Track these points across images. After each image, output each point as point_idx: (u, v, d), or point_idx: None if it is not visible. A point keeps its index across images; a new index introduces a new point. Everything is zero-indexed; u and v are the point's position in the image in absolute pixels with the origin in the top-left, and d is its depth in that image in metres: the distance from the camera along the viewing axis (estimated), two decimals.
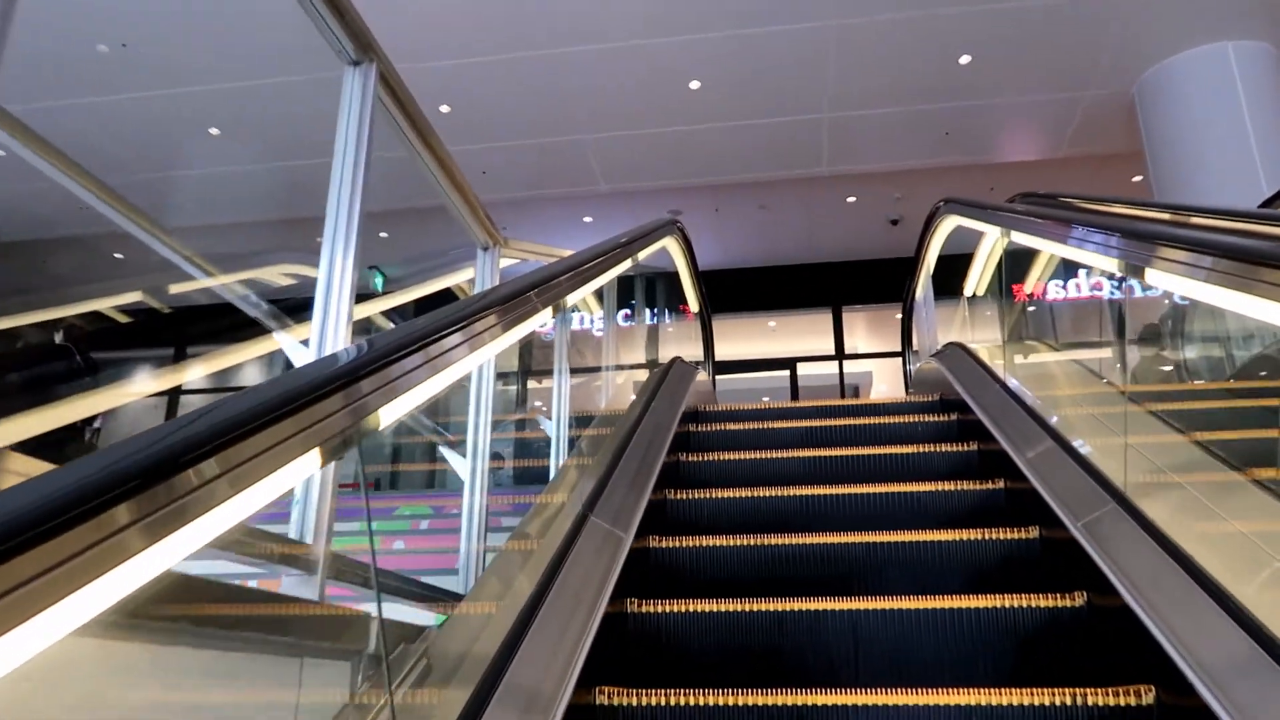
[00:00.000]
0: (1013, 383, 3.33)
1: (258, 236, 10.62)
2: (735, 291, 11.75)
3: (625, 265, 3.29)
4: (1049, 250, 2.71)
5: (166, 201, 9.89)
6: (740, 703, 1.81)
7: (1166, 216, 2.64)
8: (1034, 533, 2.37)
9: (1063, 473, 2.34)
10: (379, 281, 12.07)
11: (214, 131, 8.77)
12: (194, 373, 10.75)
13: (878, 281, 11.55)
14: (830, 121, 8.56)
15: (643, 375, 6.02)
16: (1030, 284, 4.84)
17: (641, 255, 3.66)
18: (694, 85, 7.97)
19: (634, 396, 4.17)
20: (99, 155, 8.71)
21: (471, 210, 2.70)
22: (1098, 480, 2.17)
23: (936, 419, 3.68)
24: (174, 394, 10.87)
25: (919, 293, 5.41)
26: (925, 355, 5.08)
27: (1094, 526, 2.08)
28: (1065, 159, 9.51)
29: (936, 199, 10.34)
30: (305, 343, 1.77)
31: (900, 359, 6.19)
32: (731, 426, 3.70)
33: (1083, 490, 2.23)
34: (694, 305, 5.79)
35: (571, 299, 2.46)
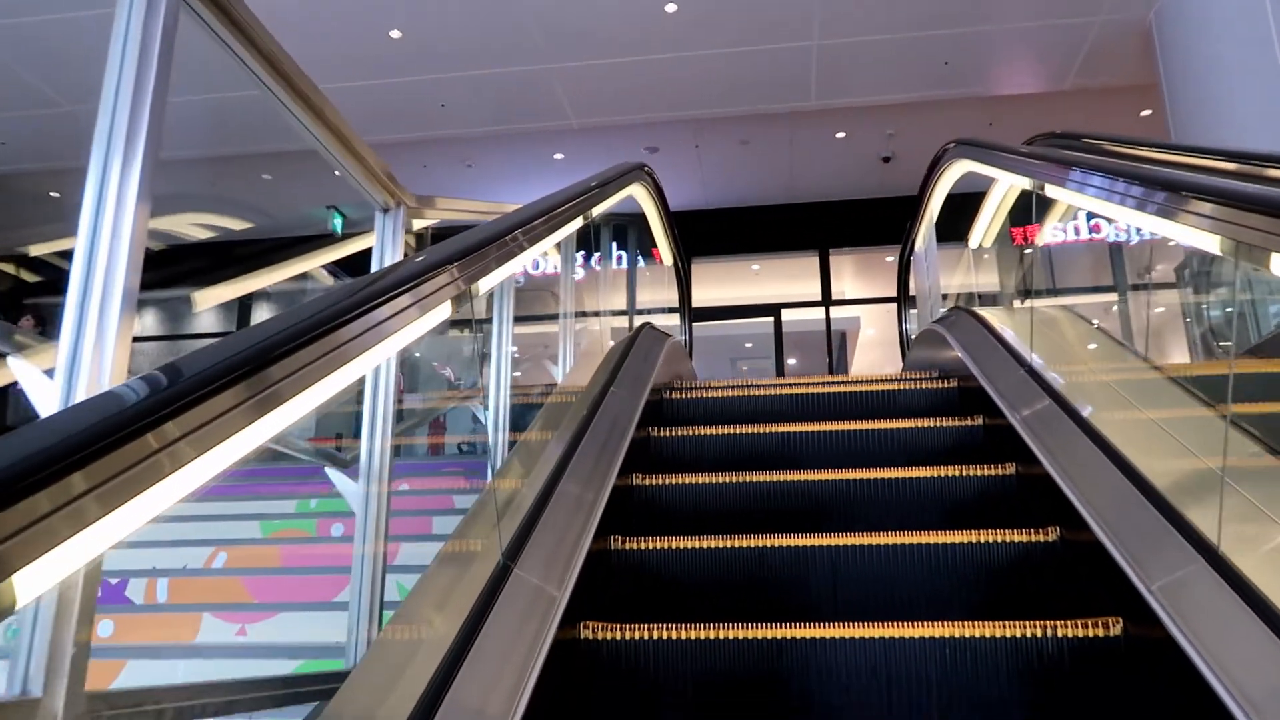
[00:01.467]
0: (1039, 363, 2.78)
1: None
2: (716, 233, 11.11)
3: (574, 226, 2.69)
4: (1106, 214, 2.13)
5: None
6: (722, 636, 1.87)
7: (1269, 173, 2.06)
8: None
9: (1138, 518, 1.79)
10: (337, 223, 11.34)
11: None
12: None
13: (868, 223, 10.94)
14: (820, 49, 7.85)
15: (620, 324, 5.47)
16: (1045, 232, 4.28)
17: (598, 211, 3.06)
18: (670, 8, 7.23)
19: (597, 366, 3.60)
20: None
21: (359, 162, 2.09)
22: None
23: (957, 424, 3.10)
24: None
25: (919, 245, 4.83)
26: (926, 318, 4.52)
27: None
28: (1069, 92, 8.85)
29: (932, 135, 9.67)
30: (51, 372, 1.18)
31: (896, 315, 5.61)
32: (707, 431, 3.13)
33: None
34: (667, 259, 5.19)
35: (494, 280, 1.87)
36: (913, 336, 5.22)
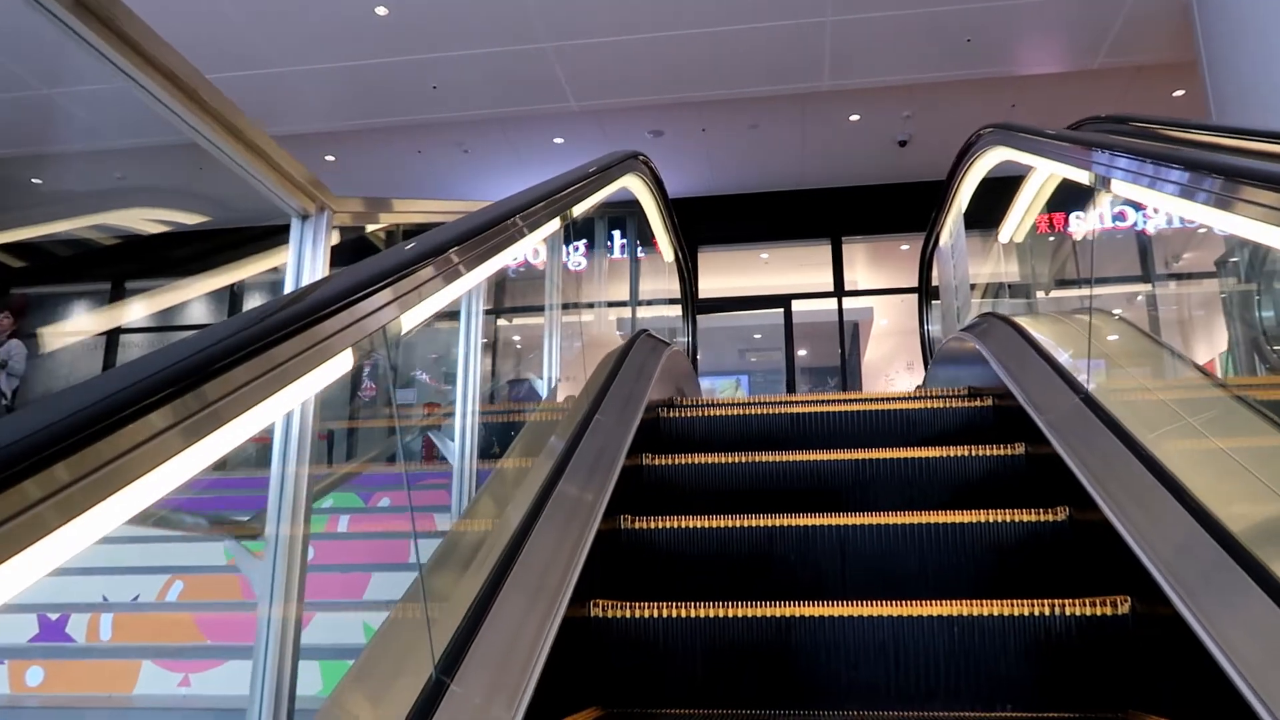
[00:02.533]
0: (1098, 389, 2.35)
1: None
2: (724, 220, 10.66)
3: (545, 231, 2.27)
4: (1195, 216, 1.69)
5: None
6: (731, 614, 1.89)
7: None
8: None
9: None
10: None
11: None
12: None
13: (882, 210, 10.46)
14: (835, 26, 7.37)
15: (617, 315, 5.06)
16: (1085, 225, 3.82)
17: (581, 210, 2.64)
18: None
19: (580, 389, 3.18)
20: None
21: (260, 160, 1.66)
22: None
23: (997, 454, 2.66)
24: None
25: (944, 239, 4.38)
26: (953, 323, 4.08)
27: None
28: (1097, 71, 8.35)
29: (951, 118, 9.21)
30: None
31: (917, 314, 5.14)
32: (708, 459, 2.71)
33: None
34: (668, 254, 4.75)
35: (421, 314, 1.45)
36: (936, 340, 4.78)
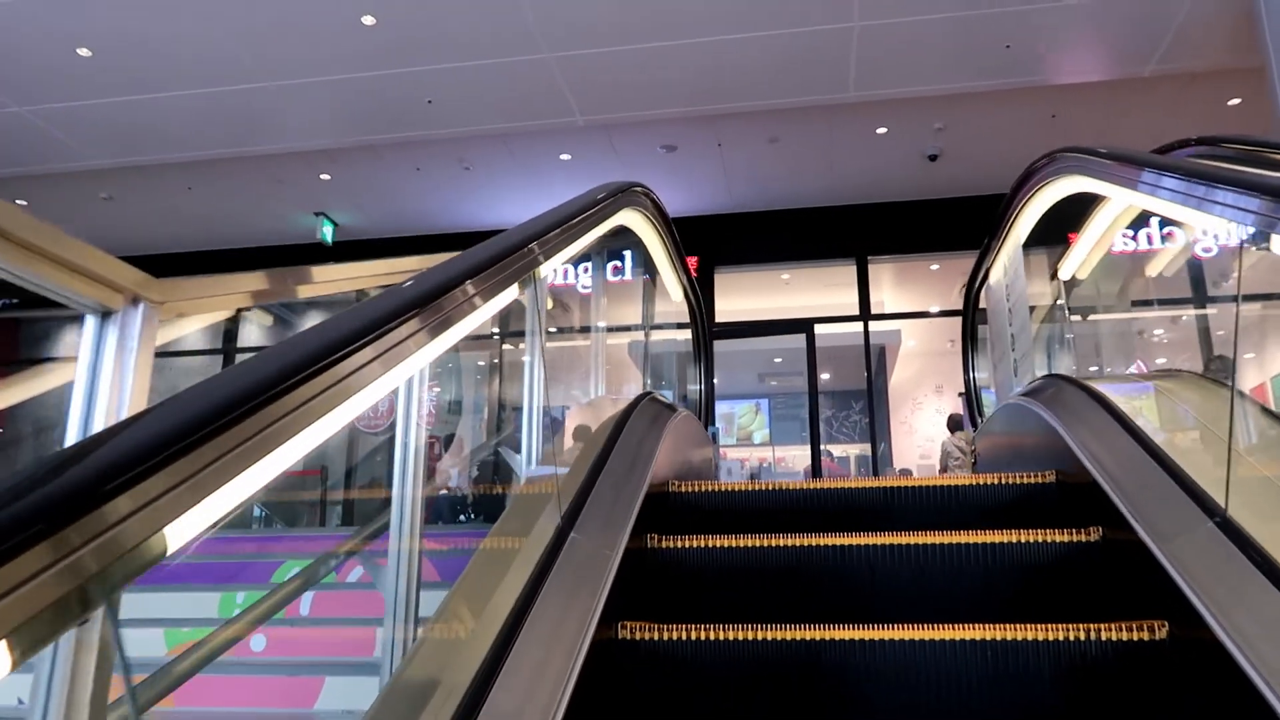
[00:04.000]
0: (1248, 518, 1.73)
1: None
2: (742, 240, 10.06)
3: (498, 304, 1.69)
4: None
5: None
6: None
7: None
8: None
9: None
10: (327, 233, 10.39)
11: None
12: None
13: (911, 228, 9.82)
14: (862, 32, 6.77)
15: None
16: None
17: (554, 264, 2.05)
18: None
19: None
20: None
21: (37, 255, 1.06)
22: None
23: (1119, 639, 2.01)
24: None
25: (996, 276, 3.76)
26: (1009, 381, 3.45)
27: None
28: (1147, 79, 7.68)
29: (985, 131, 8.56)
30: None
31: (962, 358, 4.47)
32: (727, 634, 2.08)
33: None
34: (676, 294, 4.14)
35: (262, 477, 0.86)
36: (982, 389, 4.14)
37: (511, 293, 1.81)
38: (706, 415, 4.40)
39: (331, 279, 1.97)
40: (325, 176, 9.28)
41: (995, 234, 3.61)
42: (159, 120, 7.93)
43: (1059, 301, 3.86)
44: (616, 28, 6.60)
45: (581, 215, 2.30)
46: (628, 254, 8.35)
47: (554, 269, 2.15)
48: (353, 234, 10.46)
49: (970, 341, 4.31)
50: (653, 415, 3.14)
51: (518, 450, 2.89)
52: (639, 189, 3.10)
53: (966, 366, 4.34)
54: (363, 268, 2.00)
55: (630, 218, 3.19)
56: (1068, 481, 2.84)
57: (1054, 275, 4.01)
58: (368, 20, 6.44)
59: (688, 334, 4.59)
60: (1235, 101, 8.12)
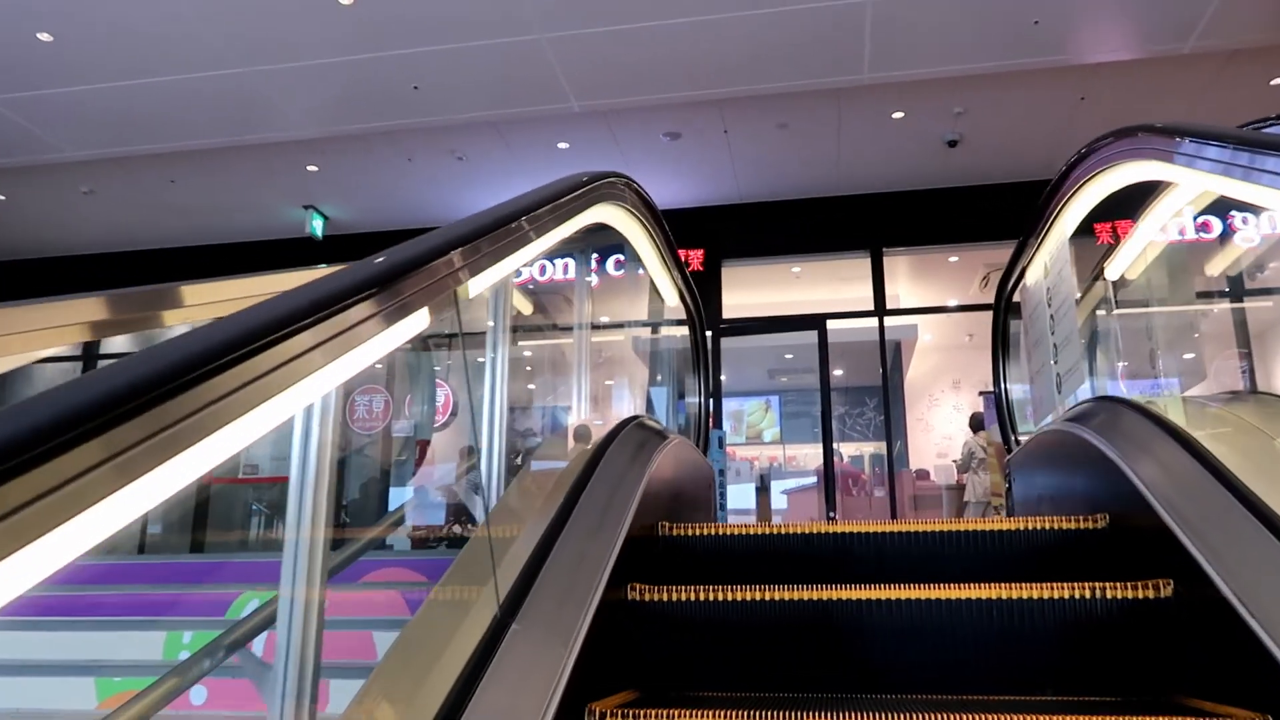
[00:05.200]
0: None
1: None
2: (751, 231, 9.58)
3: (406, 331, 1.25)
4: None
5: None
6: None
7: None
8: None
9: None
10: (317, 226, 9.96)
11: None
12: None
13: (928, 218, 9.32)
14: (877, 8, 6.27)
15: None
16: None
17: (502, 270, 1.60)
18: None
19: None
20: None
21: None
22: None
23: None
24: None
25: (1034, 278, 3.29)
26: (1048, 398, 2.99)
27: None
28: (1183, 57, 7.15)
29: (1008, 114, 8.03)
30: None
31: (993, 367, 3.97)
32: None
33: None
34: (671, 298, 3.68)
35: None
36: (1018, 404, 3.67)
37: (416, 322, 1.36)
38: (704, 435, 3.93)
39: (205, 300, 1.53)
40: (313, 168, 8.86)
41: (1035, 228, 3.14)
42: (134, 110, 7.51)
43: (1104, 306, 3.38)
44: (612, 5, 6.13)
45: (531, 215, 1.85)
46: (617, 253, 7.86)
47: (518, 261, 1.71)
48: (344, 228, 10.04)
49: (1002, 349, 3.83)
50: (637, 445, 2.70)
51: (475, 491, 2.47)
52: (618, 179, 2.65)
53: (997, 377, 3.86)
54: (243, 286, 1.56)
55: (609, 214, 2.74)
56: (1126, 525, 2.39)
57: (1096, 274, 3.54)
58: (346, 0, 5.99)
59: (684, 332, 4.12)
60: (1279, 81, 7.58)
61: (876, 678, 2.07)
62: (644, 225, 3.04)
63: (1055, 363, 3.08)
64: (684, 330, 4.47)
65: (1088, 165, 2.57)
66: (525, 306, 4.18)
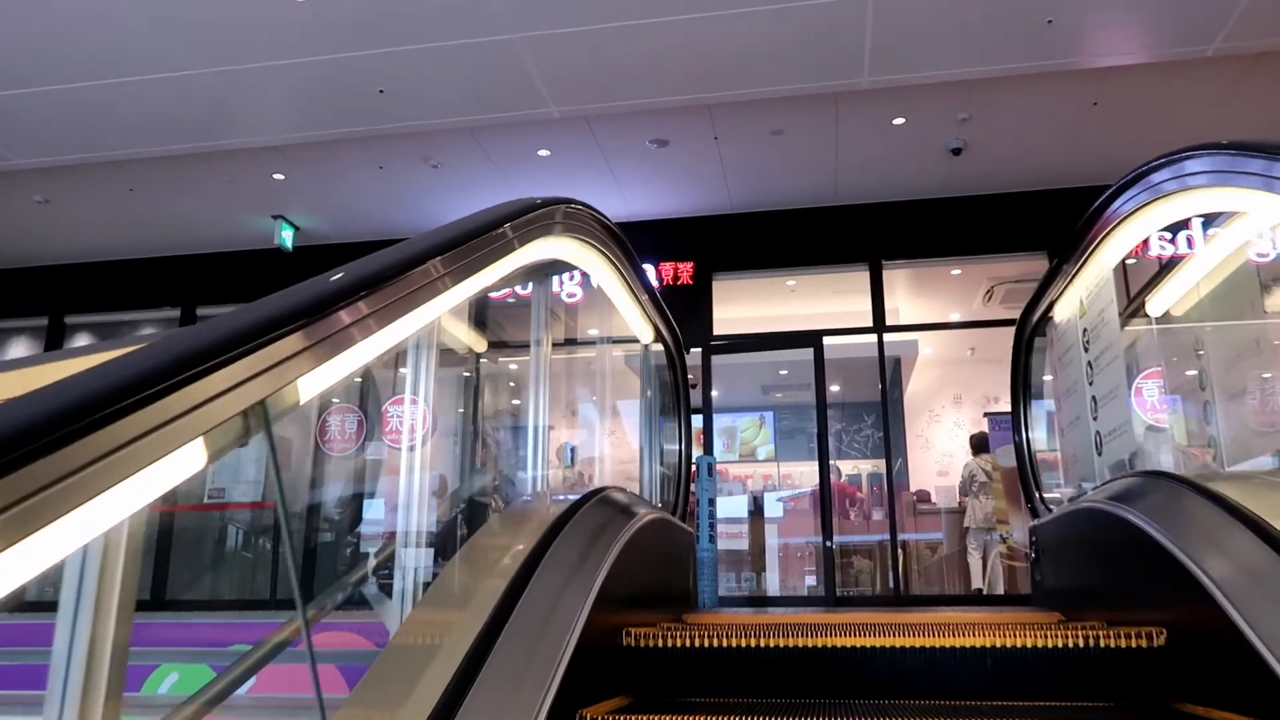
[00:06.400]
0: None
1: None
2: (743, 243, 9.10)
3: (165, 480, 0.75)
4: None
5: None
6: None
7: None
8: None
9: None
10: (287, 238, 9.45)
11: None
12: None
13: (930, 229, 8.85)
14: (879, 6, 5.80)
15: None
16: None
17: (325, 377, 1.12)
18: None
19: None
20: None
21: None
22: None
23: None
24: None
25: (1065, 314, 2.81)
26: (1084, 459, 2.51)
27: None
28: (1206, 60, 6.68)
29: (1016, 120, 7.52)
30: None
31: (1012, 418, 3.46)
32: None
33: None
34: (646, 334, 3.18)
35: None
36: (1041, 463, 3.18)
37: (188, 460, 0.86)
38: (684, 493, 3.42)
39: None
40: (279, 176, 8.36)
41: (1070, 255, 2.66)
42: (81, 115, 7.02)
43: (1142, 347, 2.90)
44: (592, 3, 5.64)
45: (427, 263, 1.36)
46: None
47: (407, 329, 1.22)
48: (316, 239, 9.53)
49: (1023, 392, 3.34)
50: (596, 529, 2.20)
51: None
52: (571, 207, 2.16)
53: (1017, 423, 3.36)
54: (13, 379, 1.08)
55: (562, 248, 2.25)
56: (1193, 642, 1.92)
57: (1133, 309, 3.05)
58: None
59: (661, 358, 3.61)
60: None
61: None
62: (609, 258, 2.54)
63: (1095, 419, 2.59)
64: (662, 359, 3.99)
65: (1149, 187, 2.09)
66: (477, 343, 3.65)
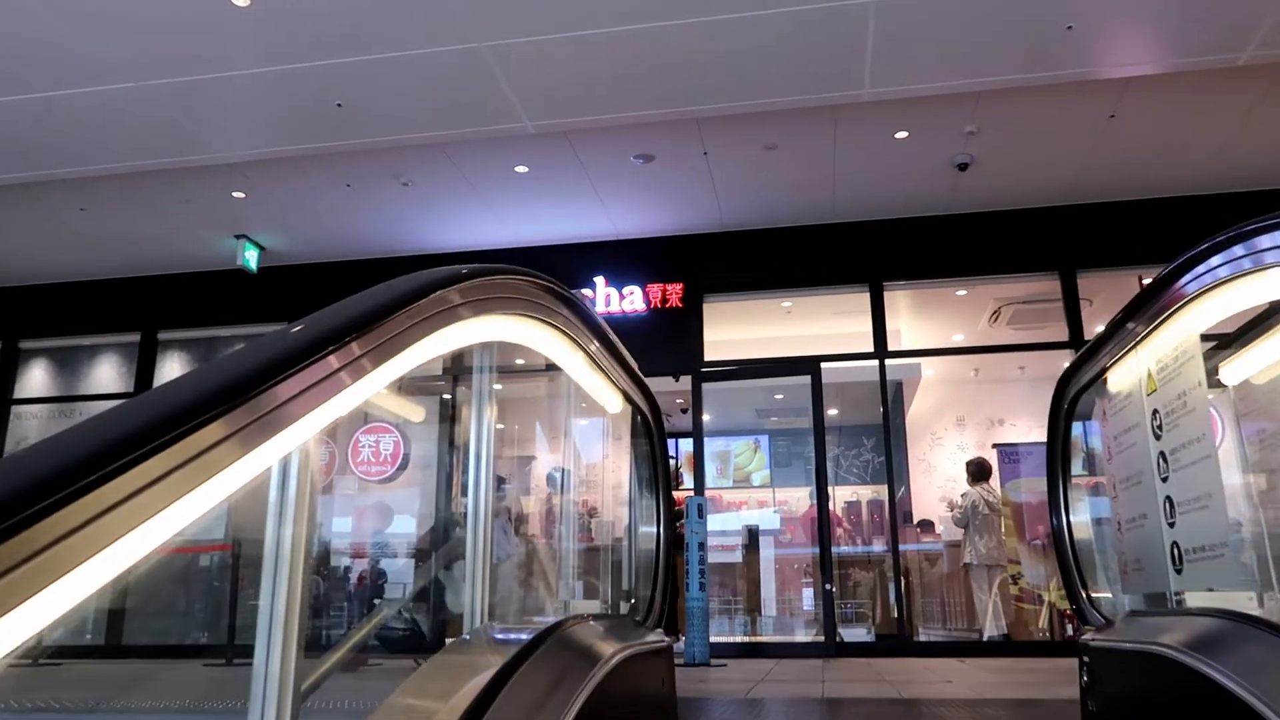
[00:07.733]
0: None
1: None
2: (735, 263, 8.58)
3: None
4: None
5: None
6: None
7: None
8: None
9: None
10: (251, 259, 8.90)
11: None
12: None
13: (933, 248, 8.34)
14: (881, 13, 5.28)
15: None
16: None
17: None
18: None
19: None
20: None
21: None
22: None
23: None
24: None
25: (1119, 388, 2.28)
26: (1146, 583, 1.97)
27: None
28: (1230, 71, 6.18)
29: (1026, 133, 6.96)
30: None
31: (1049, 499, 2.90)
32: None
33: None
34: (614, 405, 2.64)
35: None
36: (1086, 560, 2.65)
37: None
38: (663, 595, 2.84)
39: None
40: (239, 194, 7.81)
41: (1138, 311, 2.13)
42: (17, 130, 6.46)
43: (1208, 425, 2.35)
44: (564, 8, 5.11)
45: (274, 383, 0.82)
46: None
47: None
48: (282, 259, 8.98)
49: (1061, 469, 2.78)
50: (558, 673, 1.66)
51: None
52: (511, 279, 1.62)
53: (1055, 505, 2.80)
54: None
55: (502, 328, 1.71)
56: None
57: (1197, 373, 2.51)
58: (239, 1, 4.96)
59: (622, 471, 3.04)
60: None
61: None
62: (562, 329, 2.00)
63: (1171, 525, 2.06)
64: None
65: (1255, 245, 1.57)
66: (414, 413, 3.17)
